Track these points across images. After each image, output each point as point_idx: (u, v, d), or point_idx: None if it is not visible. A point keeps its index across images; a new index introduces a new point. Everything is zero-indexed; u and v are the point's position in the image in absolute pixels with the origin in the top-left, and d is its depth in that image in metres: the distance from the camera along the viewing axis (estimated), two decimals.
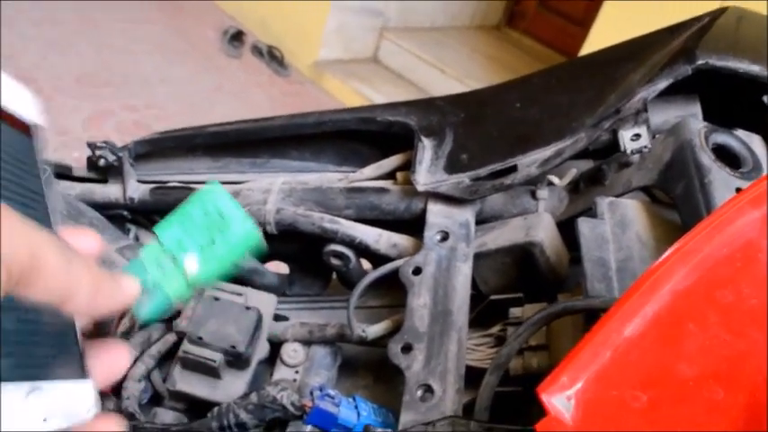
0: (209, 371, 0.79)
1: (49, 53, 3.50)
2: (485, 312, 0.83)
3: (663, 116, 0.79)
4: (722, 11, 0.87)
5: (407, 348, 0.71)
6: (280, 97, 3.83)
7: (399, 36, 4.20)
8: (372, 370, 0.89)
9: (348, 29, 4.02)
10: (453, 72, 4.00)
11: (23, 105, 0.43)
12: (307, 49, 4.01)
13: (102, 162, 0.96)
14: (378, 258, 0.87)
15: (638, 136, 0.72)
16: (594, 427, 0.42)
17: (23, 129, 0.44)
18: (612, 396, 0.42)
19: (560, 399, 0.42)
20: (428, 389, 0.67)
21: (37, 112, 0.40)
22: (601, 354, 0.42)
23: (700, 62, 0.72)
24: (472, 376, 0.72)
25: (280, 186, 0.91)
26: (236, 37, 4.02)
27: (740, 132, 0.74)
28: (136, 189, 0.97)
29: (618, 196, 0.74)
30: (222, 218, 0.47)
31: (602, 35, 3.32)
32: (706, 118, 0.80)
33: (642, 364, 0.41)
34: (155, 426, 0.74)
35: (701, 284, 0.41)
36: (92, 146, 0.97)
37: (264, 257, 1.00)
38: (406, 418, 0.65)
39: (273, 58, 3.98)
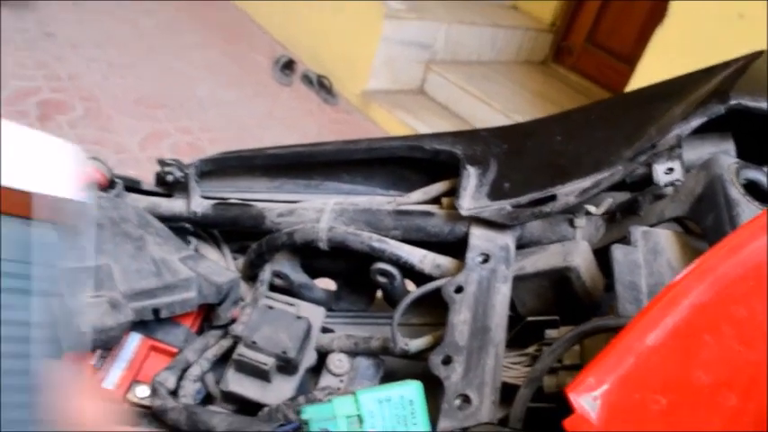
0: (261, 374, 0.85)
1: (111, 75, 3.68)
2: (522, 333, 0.88)
3: (697, 152, 0.83)
4: (758, 54, 0.91)
5: (447, 361, 0.76)
6: (328, 125, 3.94)
7: (446, 69, 4.28)
8: None
9: (396, 61, 4.12)
10: (499, 106, 4.06)
11: None
12: (355, 80, 4.12)
13: (170, 178, 1.04)
14: (421, 278, 0.93)
15: (671, 170, 0.76)
16: (617, 426, 0.46)
17: None
18: (635, 398, 0.46)
19: (587, 399, 0.46)
20: (466, 398, 0.72)
21: None
22: (625, 359, 0.46)
23: (733, 102, 0.77)
24: (508, 392, 0.77)
25: (332, 207, 0.97)
26: (288, 65, 4.15)
27: None
28: (199, 204, 1.05)
29: (652, 226, 0.79)
30: (413, 413, 0.60)
31: (648, 72, 3.35)
32: (739, 155, 0.83)
33: (662, 371, 0.46)
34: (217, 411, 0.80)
35: (717, 300, 0.45)
36: (162, 162, 1.05)
37: (314, 273, 1.07)
38: (443, 424, 0.70)
39: (323, 86, 4.10)
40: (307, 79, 4.17)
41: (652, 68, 3.32)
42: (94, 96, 3.45)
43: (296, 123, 3.84)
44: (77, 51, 3.77)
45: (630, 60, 4.13)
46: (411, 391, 0.61)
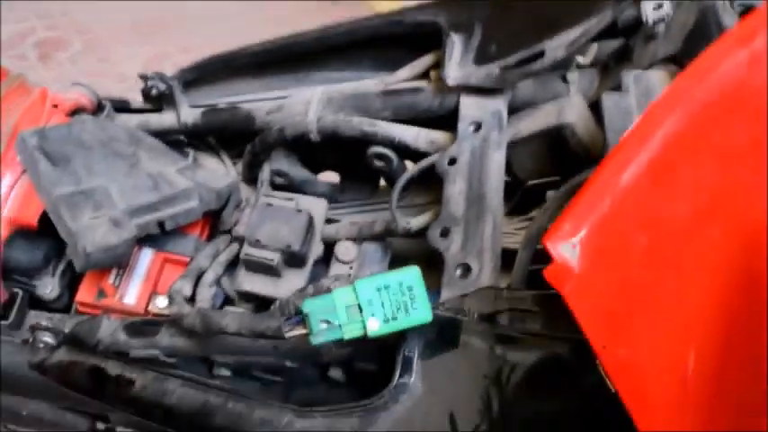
0: (269, 270, 0.86)
1: (103, 4, 3.58)
2: (525, 198, 0.86)
3: None
4: None
5: (446, 232, 0.75)
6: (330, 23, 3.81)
7: None
8: (423, 261, 0.93)
9: None
10: None
11: None
12: None
13: (154, 92, 1.02)
14: (419, 156, 0.91)
15: (660, 5, 0.72)
16: (600, 271, 0.46)
17: None
18: (615, 241, 0.45)
19: (566, 246, 0.45)
20: (466, 267, 0.72)
21: None
22: (601, 201, 0.45)
23: None
24: (513, 259, 0.76)
25: (319, 96, 0.95)
26: None
27: None
28: (188, 114, 1.03)
29: (646, 69, 0.75)
30: (412, 299, 0.60)
31: None
32: None
33: (640, 209, 0.44)
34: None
35: (691, 127, 0.42)
36: (143, 77, 1.03)
37: (316, 167, 1.05)
38: (445, 294, 0.70)
39: None
40: None
41: None
42: (90, 29, 3.39)
43: (296, 25, 3.72)
44: None
45: None
46: (410, 277, 0.61)
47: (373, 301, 0.60)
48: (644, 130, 0.44)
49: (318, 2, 3.94)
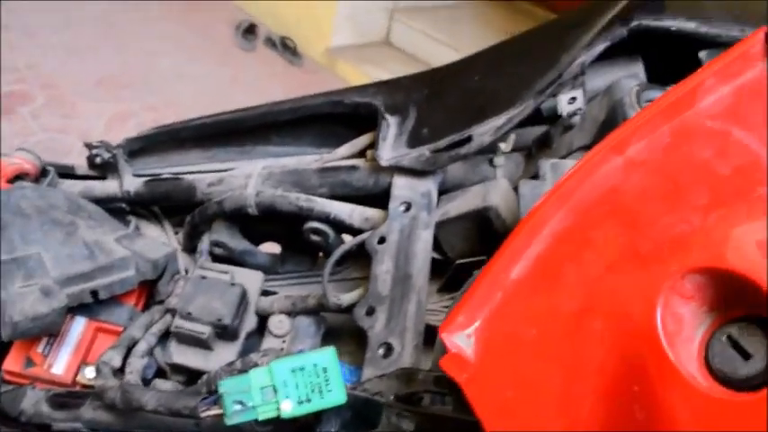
0: (201, 343, 0.87)
1: (70, 59, 3.61)
2: (454, 277, 0.89)
3: (606, 79, 0.82)
4: None
5: (371, 311, 0.77)
6: (295, 87, 3.88)
7: (410, 16, 4.21)
8: (355, 337, 0.95)
9: (359, 13, 4.05)
10: (468, 49, 3.96)
11: None
12: (319, 37, 4.06)
13: (98, 160, 1.03)
14: (354, 232, 0.93)
15: (574, 99, 0.76)
16: (494, 361, 0.47)
17: None
18: (507, 332, 0.47)
19: (461, 337, 0.47)
20: (389, 347, 0.73)
21: None
22: (493, 294, 0.47)
23: (633, 24, 0.76)
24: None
25: (259, 171, 0.97)
26: (249, 30, 4.08)
27: None
28: (131, 183, 1.05)
29: (563, 158, 0.79)
30: (327, 380, 0.61)
31: None
32: (652, 79, 0.83)
33: (530, 302, 0.46)
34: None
35: (575, 226, 0.45)
36: (89, 145, 1.05)
37: (257, 239, 1.07)
38: (367, 373, 0.71)
39: (287, 48, 4.04)
40: (270, 42, 4.10)
41: None
42: (55, 83, 3.40)
43: (263, 89, 3.79)
44: (34, 40, 3.69)
45: None
46: (325, 358, 0.62)
47: (288, 382, 0.61)
48: (532, 227, 0.46)
49: (286, 66, 4.03)
